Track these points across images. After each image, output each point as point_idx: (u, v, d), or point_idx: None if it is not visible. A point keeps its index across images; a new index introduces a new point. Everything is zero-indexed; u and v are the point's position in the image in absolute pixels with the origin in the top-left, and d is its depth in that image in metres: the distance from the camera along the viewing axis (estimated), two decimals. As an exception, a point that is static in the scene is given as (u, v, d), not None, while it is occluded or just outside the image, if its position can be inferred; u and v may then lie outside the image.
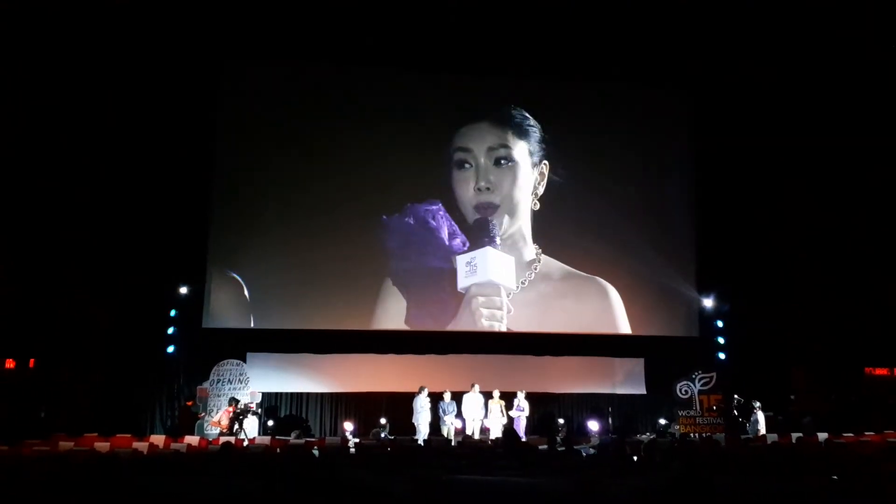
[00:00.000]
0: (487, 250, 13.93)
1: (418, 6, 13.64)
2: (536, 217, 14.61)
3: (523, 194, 14.55)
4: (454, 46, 14.25)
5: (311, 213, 14.19)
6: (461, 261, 13.94)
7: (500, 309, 13.93)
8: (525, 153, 14.67)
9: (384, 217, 14.13)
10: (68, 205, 13.66)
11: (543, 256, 14.49)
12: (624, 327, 14.53)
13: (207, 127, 14.11)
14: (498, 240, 14.12)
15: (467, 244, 14.13)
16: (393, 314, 13.97)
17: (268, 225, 14.09)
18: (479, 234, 14.09)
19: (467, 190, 14.28)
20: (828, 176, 15.28)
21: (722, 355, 15.17)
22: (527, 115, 14.81)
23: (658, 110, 15.60)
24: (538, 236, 14.58)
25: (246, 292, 13.84)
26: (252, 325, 13.86)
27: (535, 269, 14.43)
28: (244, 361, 13.87)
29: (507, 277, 14.06)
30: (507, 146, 14.57)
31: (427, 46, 14.34)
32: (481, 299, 13.90)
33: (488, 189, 14.26)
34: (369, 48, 14.27)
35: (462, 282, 13.92)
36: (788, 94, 14.97)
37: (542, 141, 14.77)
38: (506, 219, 14.35)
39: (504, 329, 13.97)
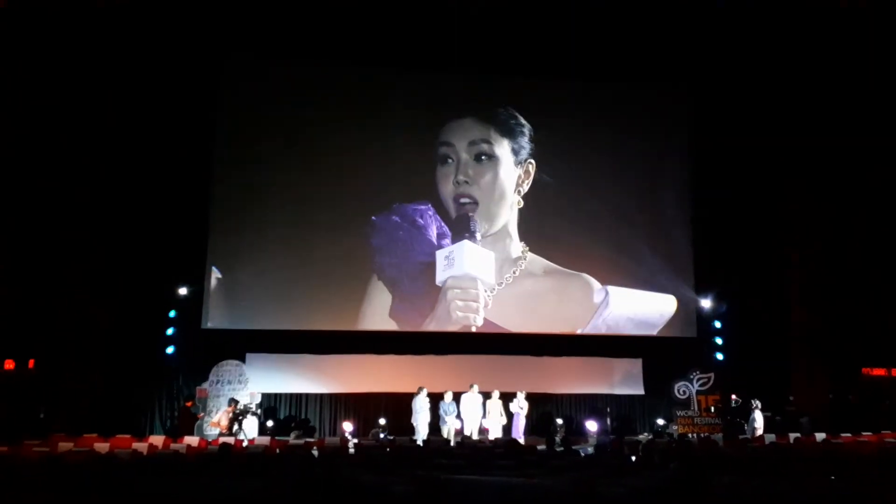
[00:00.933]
0: (464, 243, 13.94)
1: (414, 5, 13.71)
2: (530, 215, 14.62)
3: (505, 191, 14.54)
4: (448, 45, 14.21)
5: (310, 212, 14.21)
6: (440, 255, 13.99)
7: (475, 301, 13.91)
8: (508, 150, 14.66)
9: (373, 217, 14.16)
10: (68, 205, 13.66)
11: (529, 254, 14.49)
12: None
13: (207, 126, 14.13)
14: (478, 235, 14.12)
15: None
16: (379, 310, 13.99)
17: (267, 225, 14.10)
18: (458, 228, 14.13)
19: (447, 184, 14.32)
20: (827, 175, 15.29)
21: (720, 356, 15.19)
22: (515, 113, 14.78)
23: (655, 109, 15.58)
24: (529, 234, 14.58)
25: (245, 292, 13.86)
26: (251, 325, 13.87)
27: (521, 266, 14.42)
28: (243, 362, 13.86)
29: (484, 271, 14.04)
30: (488, 142, 14.56)
31: (422, 45, 14.34)
32: (457, 291, 13.89)
33: (467, 182, 14.28)
34: (365, 47, 14.28)
35: (440, 275, 13.95)
36: (786, 92, 14.99)
37: (530, 140, 14.75)
38: (487, 215, 14.35)
39: (480, 322, 13.92)
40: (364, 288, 14.05)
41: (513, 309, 14.23)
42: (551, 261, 14.54)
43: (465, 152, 14.43)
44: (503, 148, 14.65)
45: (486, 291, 14.08)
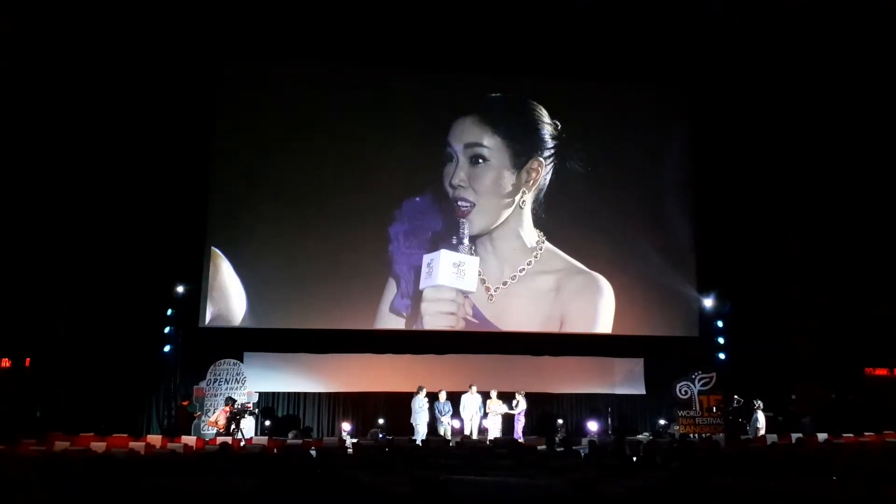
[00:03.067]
0: (441, 252, 13.81)
1: (416, 4, 13.70)
2: (537, 212, 14.55)
3: (503, 192, 14.43)
4: (451, 44, 14.17)
5: (309, 211, 14.13)
6: (425, 260, 13.91)
7: (451, 313, 13.76)
8: (505, 151, 14.54)
9: (395, 210, 14.08)
10: (66, 202, 13.61)
11: (543, 251, 14.41)
12: (605, 326, 14.48)
13: (206, 124, 14.09)
14: (465, 241, 13.95)
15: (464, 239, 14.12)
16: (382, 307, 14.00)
17: (266, 223, 14.03)
18: (451, 233, 14.09)
19: (447, 185, 14.26)
20: (827, 174, 15.25)
21: (722, 355, 15.13)
22: (528, 109, 14.71)
23: (658, 108, 15.57)
24: (540, 229, 14.53)
25: (244, 291, 13.81)
26: (249, 324, 13.81)
27: (530, 264, 14.35)
28: (241, 361, 13.81)
29: (463, 280, 13.80)
30: (482, 144, 14.47)
31: (423, 44, 14.32)
32: (430, 303, 13.79)
33: (462, 186, 14.21)
34: (366, 47, 14.25)
35: (422, 282, 13.90)
36: (787, 93, 14.96)
37: (539, 138, 14.70)
38: (485, 217, 14.25)
39: (461, 325, 13.83)
40: (368, 287, 14.01)
41: (519, 303, 14.25)
42: (562, 257, 14.51)
43: (462, 154, 14.38)
44: (500, 148, 14.54)
45: (465, 297, 13.92)
